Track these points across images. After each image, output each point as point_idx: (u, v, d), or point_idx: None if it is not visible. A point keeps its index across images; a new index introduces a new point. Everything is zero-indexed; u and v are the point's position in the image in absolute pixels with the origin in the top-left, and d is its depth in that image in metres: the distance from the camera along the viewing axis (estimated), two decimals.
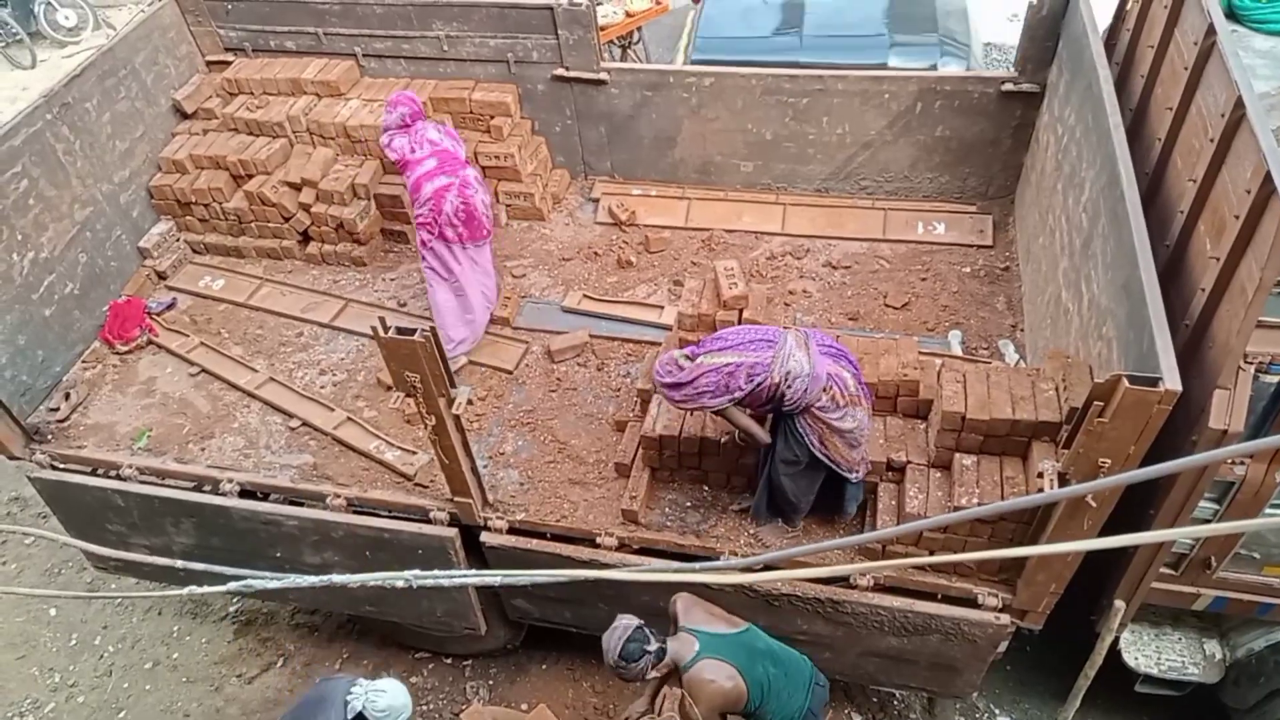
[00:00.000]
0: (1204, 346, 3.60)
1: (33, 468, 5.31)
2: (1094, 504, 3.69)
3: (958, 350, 5.28)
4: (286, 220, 6.23)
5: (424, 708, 5.87)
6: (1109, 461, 3.53)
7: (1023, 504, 2.08)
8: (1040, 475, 3.76)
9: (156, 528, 5.33)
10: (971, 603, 4.39)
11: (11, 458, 5.32)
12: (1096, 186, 4.24)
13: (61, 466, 5.31)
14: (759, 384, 3.93)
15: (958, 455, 4.23)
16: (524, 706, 5.75)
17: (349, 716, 4.09)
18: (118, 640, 6.41)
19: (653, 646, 3.76)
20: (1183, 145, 4.07)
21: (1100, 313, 4.02)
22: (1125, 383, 3.23)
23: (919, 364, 4.52)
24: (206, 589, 2.66)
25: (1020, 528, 4.13)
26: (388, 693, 4.10)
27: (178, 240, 6.40)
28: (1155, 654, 4.83)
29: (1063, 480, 3.71)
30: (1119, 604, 4.25)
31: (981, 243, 5.89)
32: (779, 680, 3.92)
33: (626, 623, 3.84)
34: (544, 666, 5.95)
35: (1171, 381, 3.21)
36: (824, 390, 3.97)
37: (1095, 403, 3.38)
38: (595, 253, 6.18)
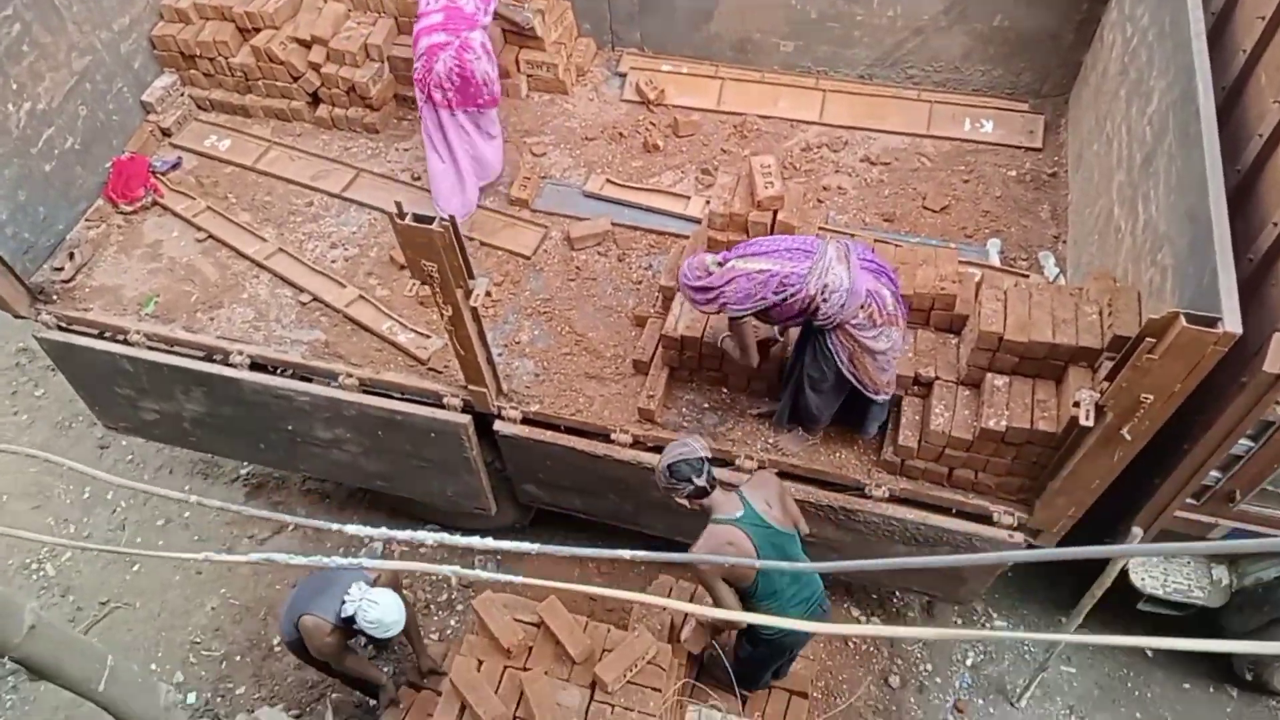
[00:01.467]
0: (1267, 284, 3.41)
1: (39, 327, 5.22)
2: (1129, 437, 3.59)
3: (995, 260, 5.06)
4: (295, 80, 5.89)
5: (432, 577, 5.99)
6: (1151, 397, 3.41)
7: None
8: (1076, 405, 3.64)
9: (166, 394, 5.28)
10: (986, 519, 4.37)
11: (16, 316, 5.21)
12: (1167, 99, 3.93)
13: (68, 328, 5.21)
14: (790, 295, 3.76)
15: (989, 375, 4.11)
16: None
17: (341, 615, 4.17)
18: (130, 495, 6.48)
19: (701, 481, 3.68)
20: (1270, 61, 3.73)
21: (1157, 237, 3.79)
22: (1182, 321, 3.06)
23: (957, 277, 4.33)
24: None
25: (1047, 452, 4.05)
26: (380, 605, 4.16)
27: (182, 95, 6.07)
28: (1162, 576, 4.86)
29: (1099, 412, 3.60)
30: (1136, 530, 4.21)
31: (1030, 144, 5.56)
32: (787, 589, 3.92)
33: (695, 446, 3.74)
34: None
35: (1232, 324, 3.05)
36: (861, 307, 3.80)
37: (1147, 339, 3.22)
38: (620, 133, 5.86)
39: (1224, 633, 4.97)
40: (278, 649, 5.65)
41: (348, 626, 4.24)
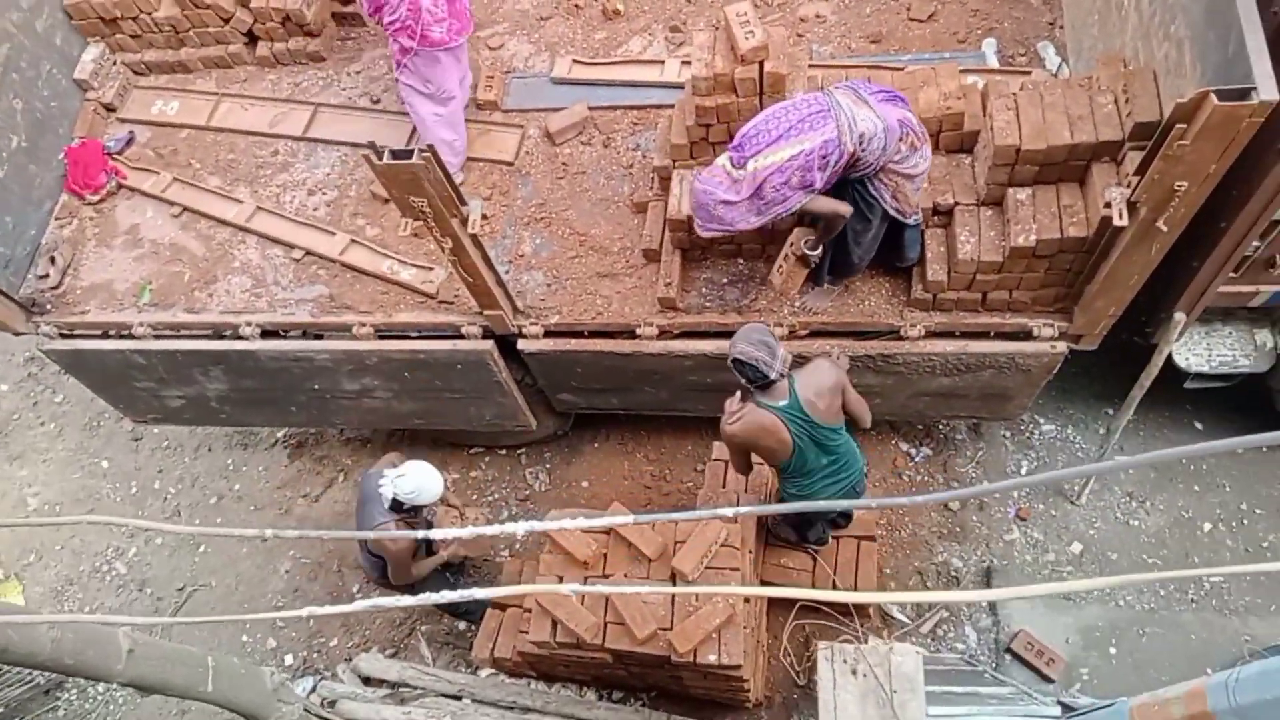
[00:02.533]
0: None
1: (42, 340, 5.12)
2: (1164, 228, 3.47)
3: (994, 62, 4.79)
4: (226, 22, 5.52)
5: (490, 498, 6.07)
6: (1185, 184, 3.27)
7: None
8: (1108, 206, 3.51)
9: (185, 379, 5.23)
10: (1026, 335, 4.31)
11: (16, 334, 5.11)
12: None
13: (71, 334, 5.11)
14: (835, 163, 3.55)
15: (1010, 190, 3.95)
16: (585, 484, 5.94)
17: (387, 505, 4.23)
18: (176, 481, 6.54)
19: (773, 375, 3.56)
20: None
21: (1167, 7, 3.55)
22: (1213, 100, 2.90)
23: (961, 92, 4.11)
24: None
25: (1080, 257, 3.94)
26: (407, 475, 4.18)
27: (114, 65, 5.72)
28: (1206, 351, 4.82)
29: (1132, 209, 3.47)
30: (1179, 316, 4.15)
31: None
32: (818, 471, 3.92)
33: (770, 339, 3.59)
34: (595, 445, 6.07)
35: (1267, 90, 2.88)
36: (900, 139, 3.62)
37: (1176, 125, 3.05)
38: (576, 5, 5.50)
39: (1274, 395, 4.98)
40: (359, 594, 5.80)
41: (399, 511, 4.28)
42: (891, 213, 3.88)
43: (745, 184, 3.60)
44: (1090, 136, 3.72)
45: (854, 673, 3.40)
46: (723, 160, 3.64)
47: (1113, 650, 4.85)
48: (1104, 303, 4.02)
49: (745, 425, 3.69)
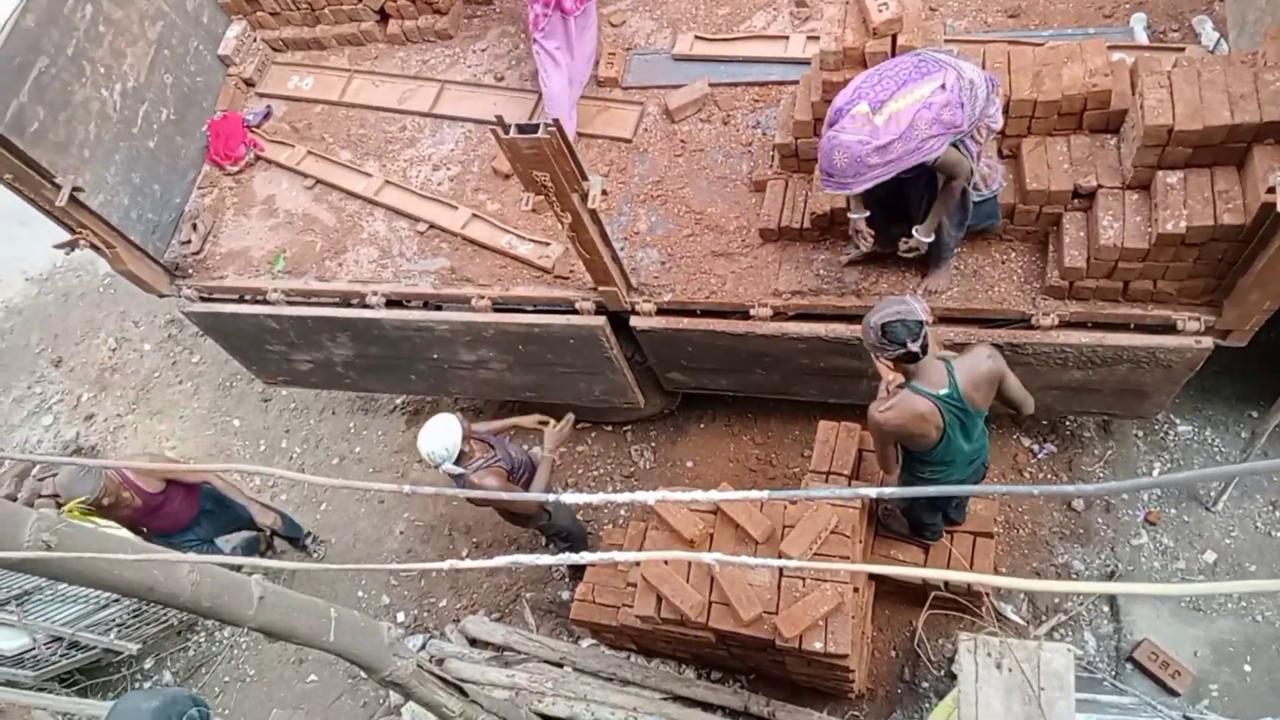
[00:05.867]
0: None
1: (183, 302, 5.43)
2: None
3: (1143, 38, 4.50)
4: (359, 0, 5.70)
5: (595, 473, 6.14)
6: None
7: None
8: (1271, 191, 3.25)
9: (315, 344, 5.46)
10: (1169, 329, 4.06)
11: (160, 295, 5.43)
12: None
13: (210, 298, 5.40)
14: (971, 104, 3.43)
15: (1160, 173, 3.71)
16: (689, 464, 5.93)
17: (451, 469, 4.31)
18: (301, 441, 6.85)
19: (914, 346, 3.31)
20: None
21: None
22: None
23: (1108, 69, 3.87)
24: None
25: (1234, 246, 3.67)
26: (420, 444, 4.27)
27: (255, 41, 5.99)
28: None
29: None
30: None
31: None
32: (959, 459, 3.76)
33: (915, 306, 3.34)
34: (702, 425, 6.05)
35: None
36: (994, 90, 3.54)
37: None
38: None
39: None
40: (467, 557, 5.97)
41: (456, 463, 4.31)
42: (980, 182, 3.75)
43: (891, 125, 3.38)
44: (1254, 117, 3.45)
45: (999, 667, 3.25)
46: (861, 108, 3.44)
47: (1247, 668, 4.55)
48: (1258, 296, 3.74)
49: (900, 413, 3.51)
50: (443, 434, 4.25)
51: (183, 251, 5.48)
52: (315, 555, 6.12)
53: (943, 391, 3.50)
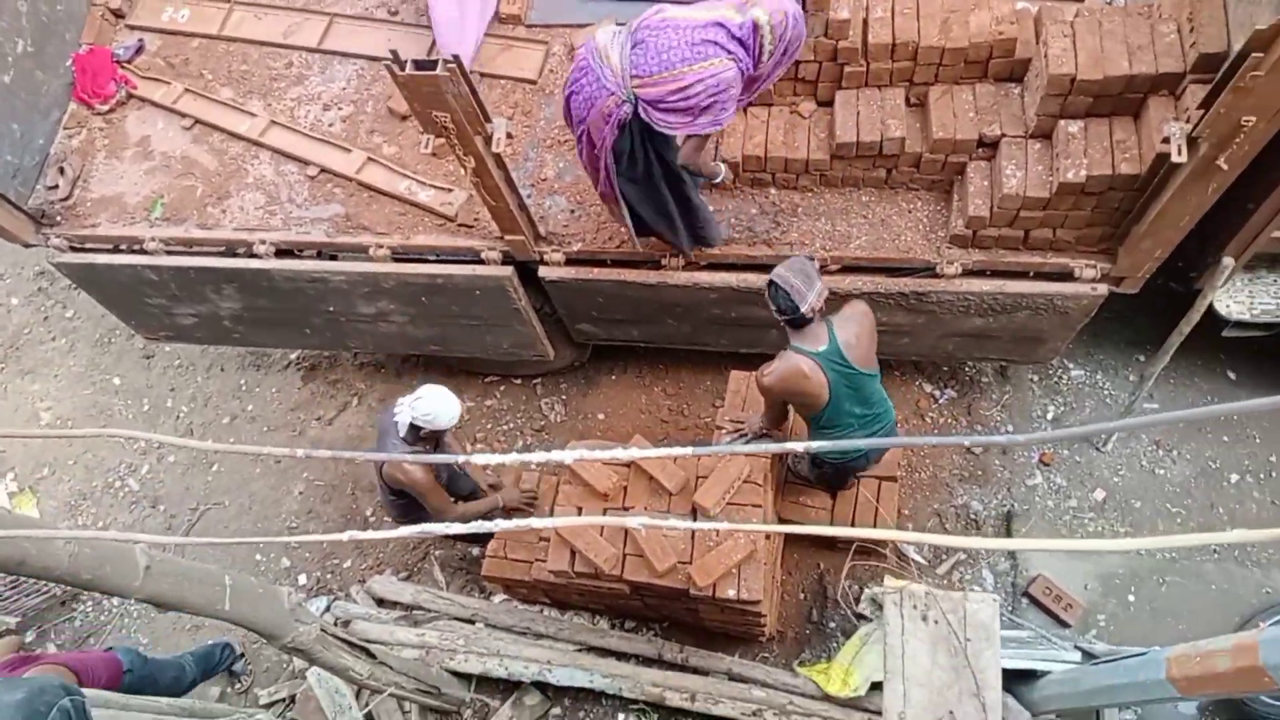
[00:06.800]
0: None
1: (52, 253, 5.02)
2: (1225, 166, 3.30)
3: None
4: None
5: (505, 427, 6.01)
6: (1253, 119, 3.09)
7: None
8: (1165, 141, 3.33)
9: (198, 296, 5.13)
10: (1067, 276, 4.17)
11: (26, 245, 5.00)
12: None
13: (81, 248, 5.00)
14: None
15: (1061, 122, 3.77)
16: (600, 416, 5.87)
17: (402, 433, 4.10)
18: (188, 400, 6.49)
19: (804, 310, 3.44)
20: None
21: None
22: None
23: (1014, 17, 3.88)
24: None
25: (1130, 195, 3.77)
26: (424, 398, 4.05)
27: None
28: (1248, 299, 4.66)
29: (1192, 144, 3.29)
30: (1228, 261, 3.99)
31: None
32: (853, 422, 3.80)
33: (813, 274, 3.48)
34: (613, 377, 5.98)
35: None
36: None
37: (1251, 55, 2.87)
38: None
39: None
40: (372, 519, 5.79)
41: (417, 438, 4.16)
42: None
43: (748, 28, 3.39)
44: (1150, 68, 3.53)
45: (924, 619, 3.32)
46: (726, 9, 3.43)
47: (1131, 598, 4.82)
48: (1151, 244, 3.87)
49: (782, 373, 3.57)
50: (454, 404, 4.08)
51: (50, 198, 5.04)
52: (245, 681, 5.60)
53: (822, 348, 3.56)
